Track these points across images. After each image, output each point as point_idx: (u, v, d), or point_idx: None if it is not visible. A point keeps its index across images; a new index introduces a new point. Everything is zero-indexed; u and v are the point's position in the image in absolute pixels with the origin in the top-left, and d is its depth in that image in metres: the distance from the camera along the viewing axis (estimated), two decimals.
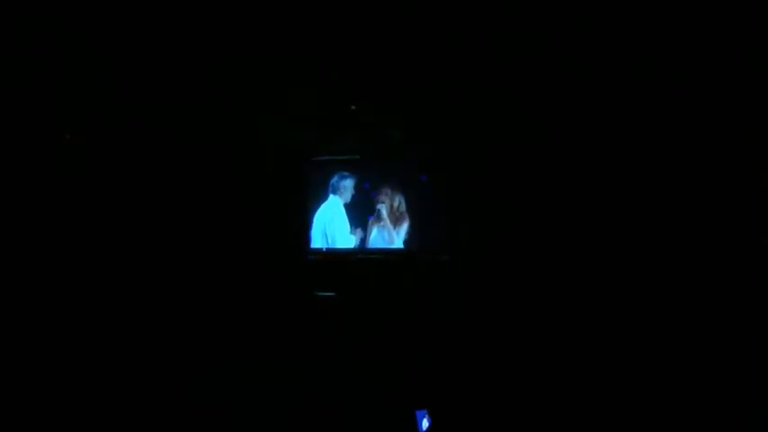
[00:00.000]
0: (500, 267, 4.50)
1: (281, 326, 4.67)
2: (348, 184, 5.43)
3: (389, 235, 5.27)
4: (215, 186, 5.28)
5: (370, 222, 5.35)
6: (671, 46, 1.86)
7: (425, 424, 2.30)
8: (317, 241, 5.55)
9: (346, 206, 5.47)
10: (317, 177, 5.54)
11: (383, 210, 5.26)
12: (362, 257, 5.32)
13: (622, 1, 1.99)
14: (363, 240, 5.41)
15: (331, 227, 5.48)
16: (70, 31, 2.58)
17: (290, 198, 5.49)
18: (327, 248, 5.47)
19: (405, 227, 5.25)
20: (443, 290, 4.76)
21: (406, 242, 5.28)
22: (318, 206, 5.57)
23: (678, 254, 2.90)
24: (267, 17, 2.48)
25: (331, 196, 5.52)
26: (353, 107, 4.17)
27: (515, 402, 2.26)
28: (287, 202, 5.49)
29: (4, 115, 3.89)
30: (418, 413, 2.28)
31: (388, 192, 5.30)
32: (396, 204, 5.28)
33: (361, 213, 5.44)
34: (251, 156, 5.36)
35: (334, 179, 5.49)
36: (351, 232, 5.40)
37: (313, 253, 5.50)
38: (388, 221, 5.23)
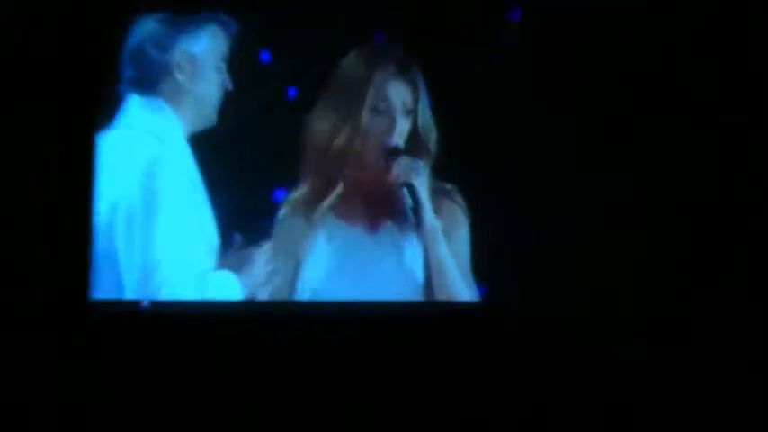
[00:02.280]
0: None
1: None
2: (207, 57, 1.75)
3: (442, 262, 1.68)
4: None
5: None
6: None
7: None
8: (119, 275, 1.69)
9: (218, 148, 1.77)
10: None
11: (421, 193, 1.67)
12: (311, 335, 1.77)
13: None
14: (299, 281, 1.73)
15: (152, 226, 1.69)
16: None
17: None
18: (151, 302, 1.69)
19: (463, 232, 1.74)
20: None
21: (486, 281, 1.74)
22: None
23: None
24: None
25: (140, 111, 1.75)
26: None
27: None
28: None
29: None
30: None
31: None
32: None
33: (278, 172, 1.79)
34: None
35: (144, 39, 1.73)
36: (234, 247, 1.72)
37: (109, 319, 1.74)
38: (430, 222, 1.68)
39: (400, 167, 1.67)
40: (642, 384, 1.70)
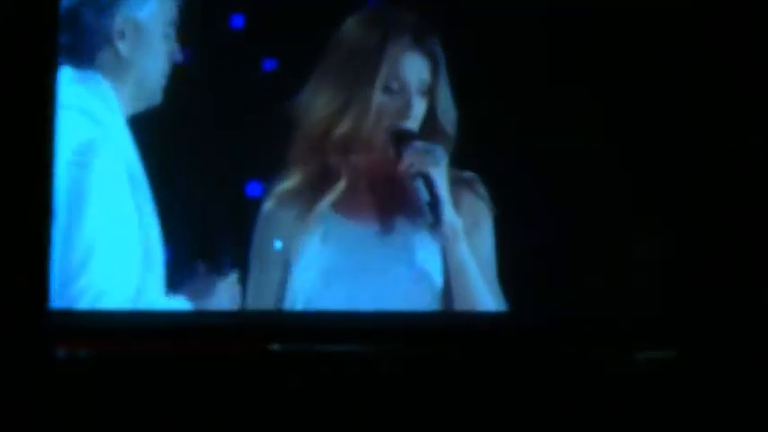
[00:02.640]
0: None
1: None
2: (154, 23, 1.45)
3: (463, 266, 1.40)
4: None
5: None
6: None
7: None
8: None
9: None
10: None
11: (439, 186, 1.37)
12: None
13: None
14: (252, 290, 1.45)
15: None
16: None
17: None
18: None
19: (487, 230, 1.45)
20: None
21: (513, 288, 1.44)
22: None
23: None
24: None
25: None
26: None
27: None
28: None
29: None
30: None
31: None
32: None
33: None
34: None
35: None
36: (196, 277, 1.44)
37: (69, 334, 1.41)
38: (449, 219, 1.38)
39: (413, 154, 1.38)
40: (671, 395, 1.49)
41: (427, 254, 1.44)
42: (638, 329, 1.56)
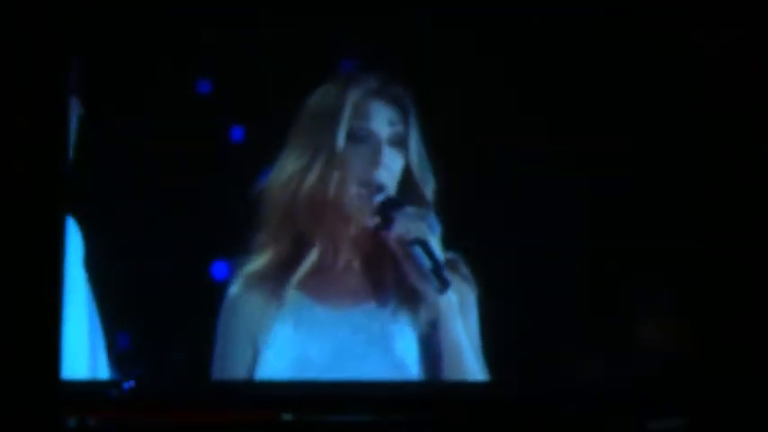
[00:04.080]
0: None
1: None
2: None
3: (457, 343, 1.30)
4: None
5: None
6: None
7: None
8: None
9: None
10: None
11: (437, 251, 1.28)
12: None
13: None
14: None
15: None
16: None
17: None
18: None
19: (473, 310, 1.34)
20: None
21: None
22: None
23: None
24: None
25: None
26: None
27: None
28: None
29: None
30: None
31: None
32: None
33: None
34: None
35: None
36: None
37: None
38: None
39: (406, 221, 1.27)
40: None
41: (405, 343, 1.33)
42: (649, 397, 1.46)
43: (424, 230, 1.27)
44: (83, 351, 1.33)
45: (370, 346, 1.32)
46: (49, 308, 1.31)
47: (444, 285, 1.26)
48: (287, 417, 1.35)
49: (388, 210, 1.29)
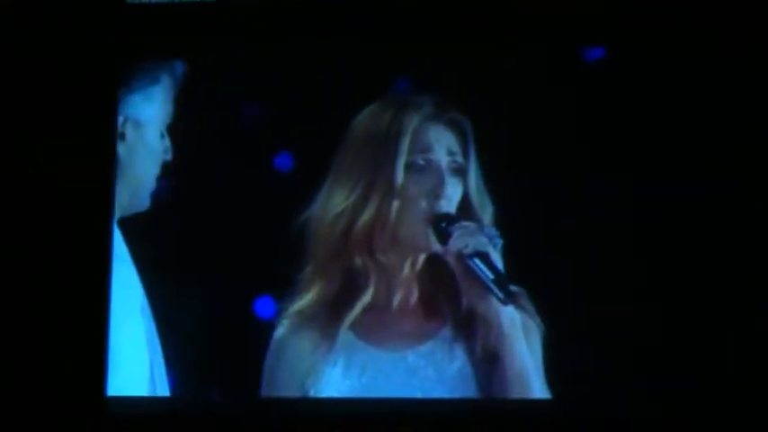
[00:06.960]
0: None
1: None
2: (154, 122, 1.38)
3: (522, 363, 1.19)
4: None
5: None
6: None
7: None
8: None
9: None
10: None
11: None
12: None
13: None
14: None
15: None
16: None
17: None
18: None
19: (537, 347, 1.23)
20: None
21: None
22: None
23: None
24: None
25: None
26: None
27: None
28: None
29: None
30: None
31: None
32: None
33: None
34: None
35: None
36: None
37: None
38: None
39: (464, 235, 1.17)
40: None
41: (464, 384, 1.22)
42: None
43: (483, 243, 1.17)
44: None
45: (425, 390, 1.21)
46: (96, 326, 1.33)
47: (509, 296, 1.16)
48: None
49: (444, 225, 1.20)
